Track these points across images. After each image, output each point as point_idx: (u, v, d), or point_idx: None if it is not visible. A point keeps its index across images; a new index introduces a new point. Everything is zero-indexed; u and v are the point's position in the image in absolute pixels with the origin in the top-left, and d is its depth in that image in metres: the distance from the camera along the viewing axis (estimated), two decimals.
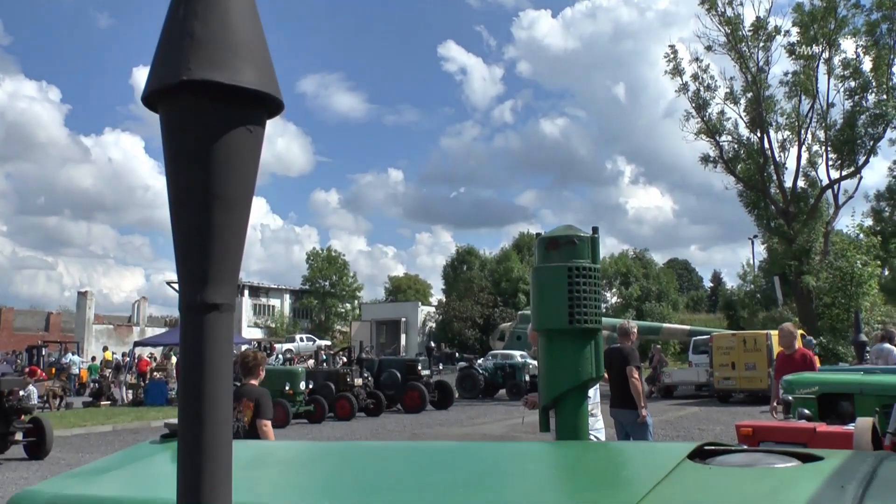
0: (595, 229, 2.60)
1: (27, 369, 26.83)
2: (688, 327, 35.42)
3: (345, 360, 26.59)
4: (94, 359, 36.96)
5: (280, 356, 38.31)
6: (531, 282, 2.65)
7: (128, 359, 31.39)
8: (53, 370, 32.87)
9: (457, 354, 44.57)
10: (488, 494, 1.46)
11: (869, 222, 38.94)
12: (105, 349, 39.17)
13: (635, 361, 8.69)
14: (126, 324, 53.85)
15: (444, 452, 1.96)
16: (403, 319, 57.90)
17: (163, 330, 40.84)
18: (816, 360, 9.94)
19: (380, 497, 1.53)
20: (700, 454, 1.52)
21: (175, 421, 2.02)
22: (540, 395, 2.54)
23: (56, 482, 2.04)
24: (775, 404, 9.66)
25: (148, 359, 32.86)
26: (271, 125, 1.18)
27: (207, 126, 0.96)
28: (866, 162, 36.51)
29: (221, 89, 0.94)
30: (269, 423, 6.31)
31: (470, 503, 1.37)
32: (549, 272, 2.52)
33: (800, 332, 21.94)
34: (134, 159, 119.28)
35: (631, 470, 1.52)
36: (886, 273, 37.29)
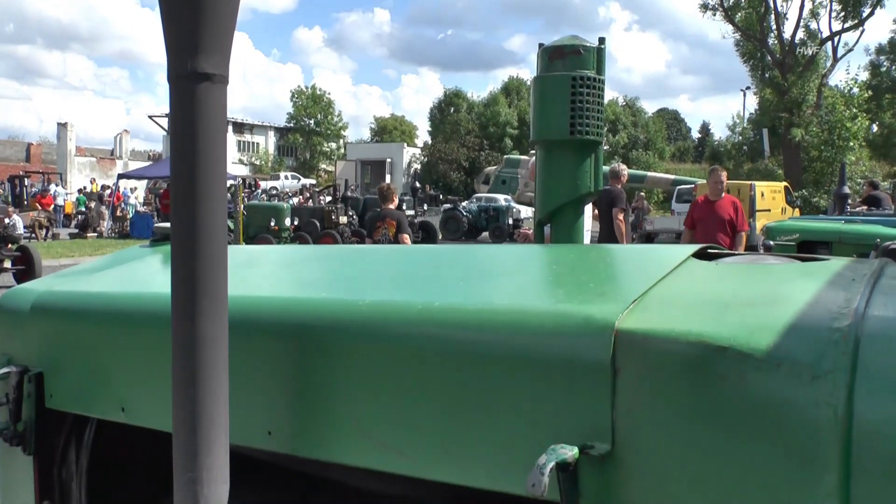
0: (602, 40, 2.45)
1: (39, 198, 26.75)
2: (672, 177, 35.49)
3: (330, 198, 26.62)
4: (79, 190, 36.70)
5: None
6: (531, 92, 2.54)
7: (110, 189, 31.19)
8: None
9: (441, 196, 44.72)
10: (488, 287, 1.44)
11: (865, 76, 38.33)
12: (93, 181, 38.89)
13: (621, 203, 8.78)
14: (109, 157, 53.15)
15: (440, 253, 1.95)
16: (388, 160, 57.56)
17: (147, 163, 40.34)
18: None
19: (376, 289, 1.51)
20: (703, 257, 1.51)
21: (165, 224, 1.97)
22: (536, 210, 2.51)
23: (46, 281, 2.02)
24: None
25: (126, 192, 32.62)
26: None
27: None
28: (871, 14, 35.57)
29: None
30: (408, 237, 7.73)
31: (468, 295, 1.35)
32: (552, 82, 2.41)
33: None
34: None
35: (636, 266, 1.51)
36: (875, 129, 37.14)
